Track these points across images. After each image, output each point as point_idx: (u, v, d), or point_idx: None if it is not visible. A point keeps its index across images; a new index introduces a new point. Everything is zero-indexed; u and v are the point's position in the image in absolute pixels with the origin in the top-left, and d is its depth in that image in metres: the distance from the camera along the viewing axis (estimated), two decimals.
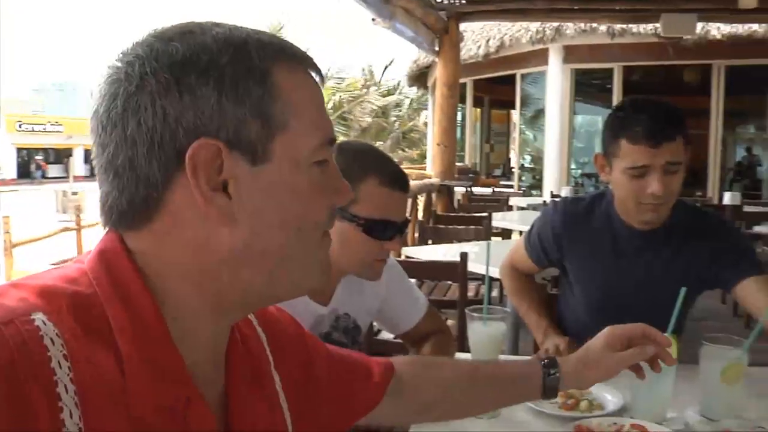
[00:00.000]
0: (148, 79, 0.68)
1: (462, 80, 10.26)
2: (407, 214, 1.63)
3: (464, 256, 3.16)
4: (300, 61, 0.76)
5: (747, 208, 7.52)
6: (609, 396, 1.62)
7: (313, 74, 0.78)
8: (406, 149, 23.38)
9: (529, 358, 1.50)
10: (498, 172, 15.36)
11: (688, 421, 1.53)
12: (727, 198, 8.12)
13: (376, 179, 1.51)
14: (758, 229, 6.42)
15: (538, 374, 1.19)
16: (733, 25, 9.73)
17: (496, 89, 14.28)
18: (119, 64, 0.70)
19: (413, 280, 4.74)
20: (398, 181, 1.55)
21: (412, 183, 6.76)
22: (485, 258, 1.65)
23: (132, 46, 0.71)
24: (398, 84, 25.40)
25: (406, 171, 1.65)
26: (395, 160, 1.76)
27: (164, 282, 0.71)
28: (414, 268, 3.46)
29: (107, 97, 0.69)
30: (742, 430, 1.43)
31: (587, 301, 2.06)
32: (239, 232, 0.71)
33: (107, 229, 0.74)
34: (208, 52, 0.69)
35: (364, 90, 23.99)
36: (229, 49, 0.70)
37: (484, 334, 1.55)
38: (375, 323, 1.94)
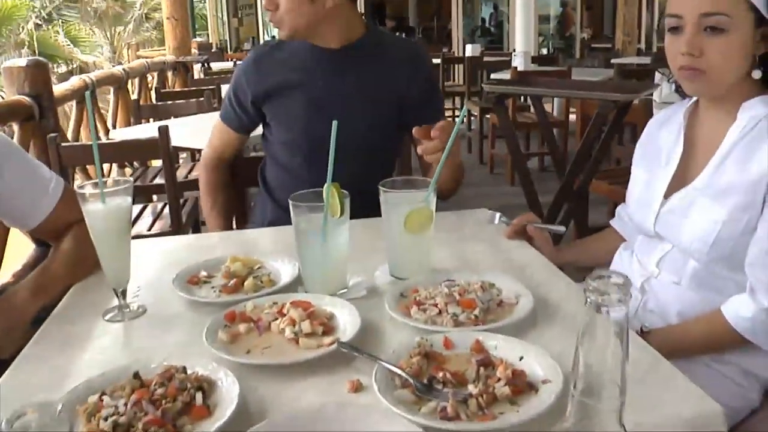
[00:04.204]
0: None
1: None
2: None
3: (164, 129, 2.71)
4: None
5: (487, 58, 8.05)
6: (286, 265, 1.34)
7: None
8: (152, 31, 21.46)
9: None
10: (248, 46, 14.60)
11: (376, 283, 1.30)
12: (469, 50, 8.64)
13: None
14: (494, 75, 6.80)
15: None
16: None
17: None
18: None
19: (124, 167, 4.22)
20: None
21: (135, 63, 6.03)
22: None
23: None
24: None
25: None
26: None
27: None
28: (109, 150, 2.96)
29: None
30: (431, 287, 1.20)
31: (291, 140, 1.88)
32: None
33: None
34: None
35: None
36: None
37: (101, 213, 1.17)
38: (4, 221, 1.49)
